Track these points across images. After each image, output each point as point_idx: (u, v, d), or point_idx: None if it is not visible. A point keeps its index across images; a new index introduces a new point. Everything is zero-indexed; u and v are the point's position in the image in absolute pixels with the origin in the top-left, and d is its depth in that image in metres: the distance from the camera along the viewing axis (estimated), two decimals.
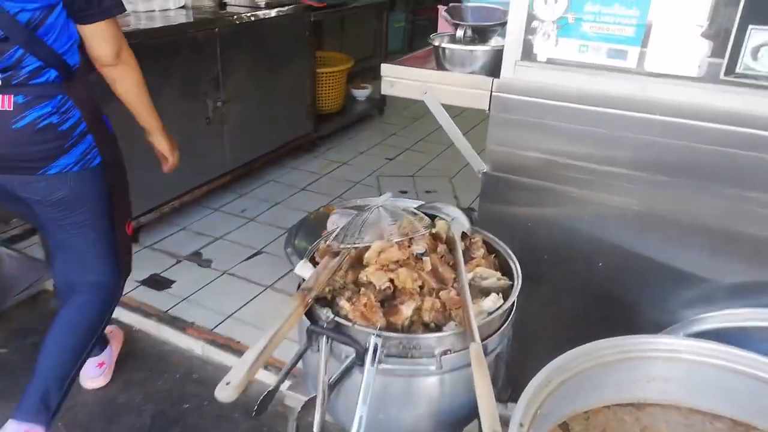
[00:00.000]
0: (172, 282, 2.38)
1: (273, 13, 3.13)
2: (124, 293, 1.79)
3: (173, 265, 2.49)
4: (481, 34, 1.35)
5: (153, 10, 2.82)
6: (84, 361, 1.59)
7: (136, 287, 2.32)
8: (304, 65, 3.49)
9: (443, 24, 1.52)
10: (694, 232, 1.18)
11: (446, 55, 1.32)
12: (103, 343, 1.88)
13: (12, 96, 1.30)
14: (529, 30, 1.21)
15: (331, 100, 4.00)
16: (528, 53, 1.23)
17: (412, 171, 3.54)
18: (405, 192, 3.25)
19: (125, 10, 1.48)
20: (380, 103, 4.54)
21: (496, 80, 1.27)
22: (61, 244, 1.58)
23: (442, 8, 1.42)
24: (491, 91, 1.28)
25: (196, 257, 2.55)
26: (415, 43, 6.49)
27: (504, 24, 1.26)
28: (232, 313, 2.20)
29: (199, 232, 2.76)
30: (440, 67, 1.36)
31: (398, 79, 1.38)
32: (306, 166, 3.56)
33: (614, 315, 1.32)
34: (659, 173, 1.17)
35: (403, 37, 5.99)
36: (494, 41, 1.34)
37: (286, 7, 3.24)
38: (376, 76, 1.53)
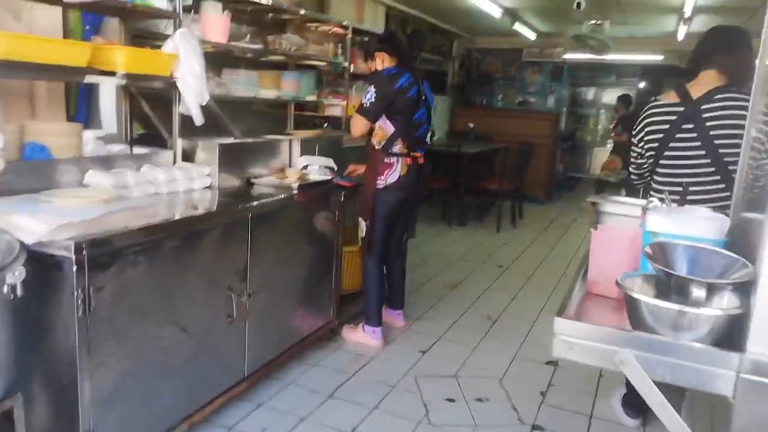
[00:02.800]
0: None
1: (305, 194, 2.86)
2: None
3: None
4: (683, 285, 1.00)
5: (177, 191, 2.51)
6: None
7: None
8: (330, 246, 3.17)
9: (606, 247, 1.18)
10: None
11: (652, 313, 0.96)
12: None
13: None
14: None
15: (353, 280, 3.64)
16: None
17: (454, 369, 3.08)
18: (452, 401, 2.76)
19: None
20: None
21: (743, 356, 0.89)
22: (406, 225, 3.43)
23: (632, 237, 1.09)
24: (738, 372, 0.89)
25: None
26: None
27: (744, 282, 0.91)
28: None
29: None
30: (638, 325, 0.99)
31: (580, 341, 0.99)
32: (329, 362, 3.07)
33: None
34: None
35: None
36: (721, 300, 0.98)
37: (318, 188, 2.99)
38: None
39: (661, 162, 2.29)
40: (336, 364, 3.04)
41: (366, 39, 4.30)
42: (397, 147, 3.08)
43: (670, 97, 2.27)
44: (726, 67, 2.16)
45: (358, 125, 3.03)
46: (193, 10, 2.75)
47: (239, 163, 2.86)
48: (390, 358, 3.16)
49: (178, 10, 2.45)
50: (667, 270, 0.98)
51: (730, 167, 2.14)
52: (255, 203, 2.52)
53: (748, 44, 2.17)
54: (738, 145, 2.10)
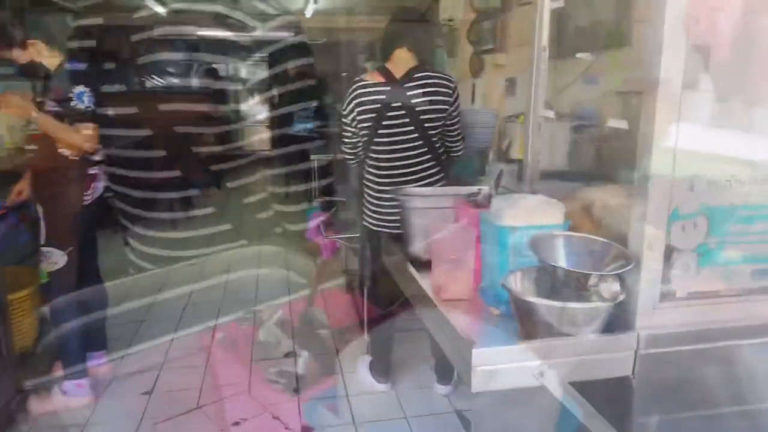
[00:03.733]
0: None
1: None
2: None
3: None
4: (579, 279, 0.98)
5: None
6: None
7: None
8: None
9: (449, 251, 1.09)
10: None
11: (556, 316, 0.91)
12: None
13: None
14: (667, 265, 0.93)
15: (27, 336, 2.79)
16: (666, 293, 0.94)
17: (193, 399, 2.65)
18: None
19: None
20: None
21: (639, 334, 0.93)
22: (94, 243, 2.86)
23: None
24: (637, 350, 0.92)
25: None
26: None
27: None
28: None
29: None
30: (536, 332, 0.93)
31: (503, 366, 0.89)
32: None
33: None
34: None
35: None
36: (602, 286, 0.98)
37: None
38: None
39: (376, 140, 2.34)
40: None
41: None
42: (100, 153, 2.67)
43: (375, 77, 2.32)
44: (414, 47, 2.33)
45: (94, 134, 2.50)
46: None
47: None
48: (111, 417, 2.53)
49: None
50: (560, 266, 0.94)
51: (435, 142, 2.34)
52: None
53: (427, 27, 2.39)
54: (437, 119, 2.31)
